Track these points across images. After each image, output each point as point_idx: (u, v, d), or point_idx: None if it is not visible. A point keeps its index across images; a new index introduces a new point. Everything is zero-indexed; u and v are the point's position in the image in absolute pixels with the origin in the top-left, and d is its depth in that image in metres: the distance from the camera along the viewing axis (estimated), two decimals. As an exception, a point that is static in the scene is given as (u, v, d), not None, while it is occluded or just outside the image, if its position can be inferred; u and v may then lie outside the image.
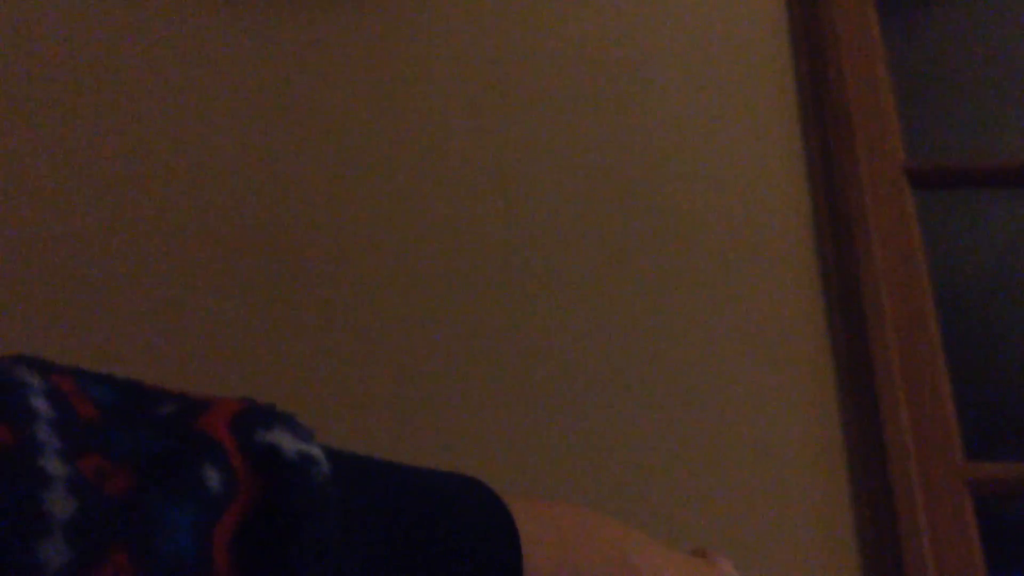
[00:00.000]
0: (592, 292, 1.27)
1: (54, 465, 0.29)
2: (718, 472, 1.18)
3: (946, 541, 1.12)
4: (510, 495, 0.43)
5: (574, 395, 1.21)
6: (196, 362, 1.21)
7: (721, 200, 1.32)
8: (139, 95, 1.34)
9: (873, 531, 1.15)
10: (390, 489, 0.39)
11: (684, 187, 1.33)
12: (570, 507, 0.47)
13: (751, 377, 1.23)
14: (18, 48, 1.35)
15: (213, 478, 0.32)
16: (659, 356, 1.24)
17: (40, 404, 0.30)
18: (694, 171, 1.34)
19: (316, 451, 0.36)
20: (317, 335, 1.23)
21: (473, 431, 1.19)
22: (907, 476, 1.15)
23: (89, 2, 1.38)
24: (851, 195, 1.31)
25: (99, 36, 1.36)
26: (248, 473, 0.33)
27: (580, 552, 0.44)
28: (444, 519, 0.40)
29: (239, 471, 0.33)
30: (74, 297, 1.23)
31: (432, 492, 0.40)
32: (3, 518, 0.27)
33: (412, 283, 1.26)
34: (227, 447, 0.33)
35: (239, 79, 1.36)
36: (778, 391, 1.22)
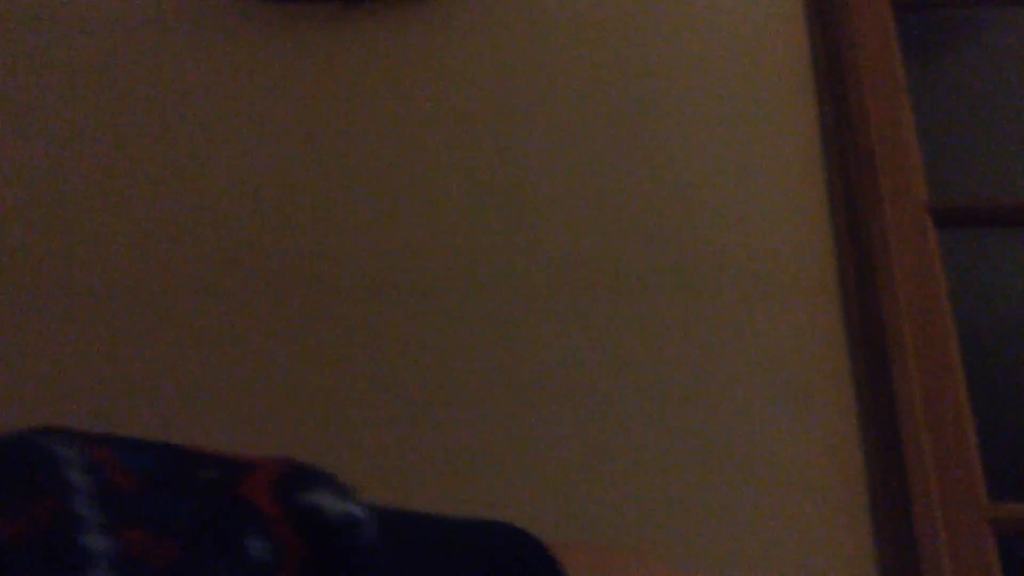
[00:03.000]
0: (611, 325, 1.27)
1: (96, 541, 0.28)
2: (737, 509, 1.18)
3: (969, 582, 1.11)
4: (558, 545, 0.42)
5: (587, 423, 1.21)
6: (199, 368, 1.22)
7: (744, 237, 1.32)
8: (145, 104, 1.36)
9: (896, 572, 1.14)
10: (435, 545, 0.38)
11: (707, 223, 1.33)
12: (617, 553, 0.46)
13: (772, 416, 1.23)
14: (30, 61, 1.38)
15: (257, 547, 0.31)
16: (678, 390, 1.24)
17: (77, 478, 0.30)
18: (717, 208, 1.34)
19: (359, 511, 0.35)
20: (322, 341, 1.24)
21: (487, 454, 1.19)
22: (930, 516, 1.14)
23: (100, 9, 1.41)
24: (874, 234, 1.31)
25: (108, 42, 1.39)
26: (293, 537, 0.32)
27: None
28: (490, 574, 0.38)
29: (283, 537, 0.32)
30: (77, 304, 1.25)
31: (478, 545, 0.39)
32: None
33: (421, 296, 1.27)
34: (270, 513, 0.33)
35: (247, 90, 1.37)
36: (800, 430, 1.22)
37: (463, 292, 1.28)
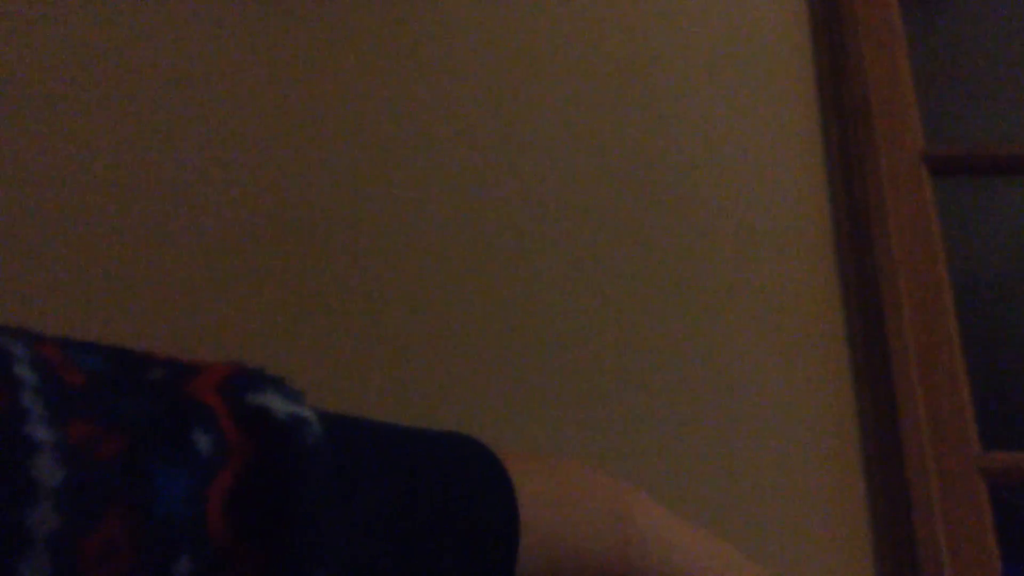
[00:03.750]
0: (605, 284, 1.27)
1: (40, 432, 0.28)
2: (731, 463, 1.18)
3: (961, 531, 1.12)
4: (506, 450, 0.43)
5: (586, 388, 1.21)
6: (206, 352, 1.22)
7: (738, 189, 1.32)
8: (149, 88, 1.34)
9: (888, 520, 1.15)
10: (383, 449, 0.38)
11: (700, 176, 1.32)
12: (568, 463, 0.46)
13: (766, 368, 1.23)
14: (32, 45, 1.36)
15: (203, 441, 0.32)
16: (673, 348, 1.24)
17: (24, 372, 0.30)
18: (711, 160, 1.33)
19: (307, 412, 0.35)
20: (328, 327, 1.24)
21: (484, 424, 1.20)
22: (923, 465, 1.15)
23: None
24: (869, 182, 1.30)
25: (116, 28, 1.37)
26: (239, 436, 0.33)
27: (579, 511, 0.43)
28: (439, 479, 0.39)
29: (229, 434, 0.33)
30: (86, 289, 1.24)
31: (426, 451, 0.40)
32: None
33: (425, 278, 1.26)
34: (217, 411, 0.33)
35: (251, 72, 1.36)
36: (793, 381, 1.22)
37: (460, 261, 1.27)
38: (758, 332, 1.24)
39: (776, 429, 1.20)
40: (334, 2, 1.39)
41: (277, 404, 0.35)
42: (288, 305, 1.24)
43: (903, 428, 1.17)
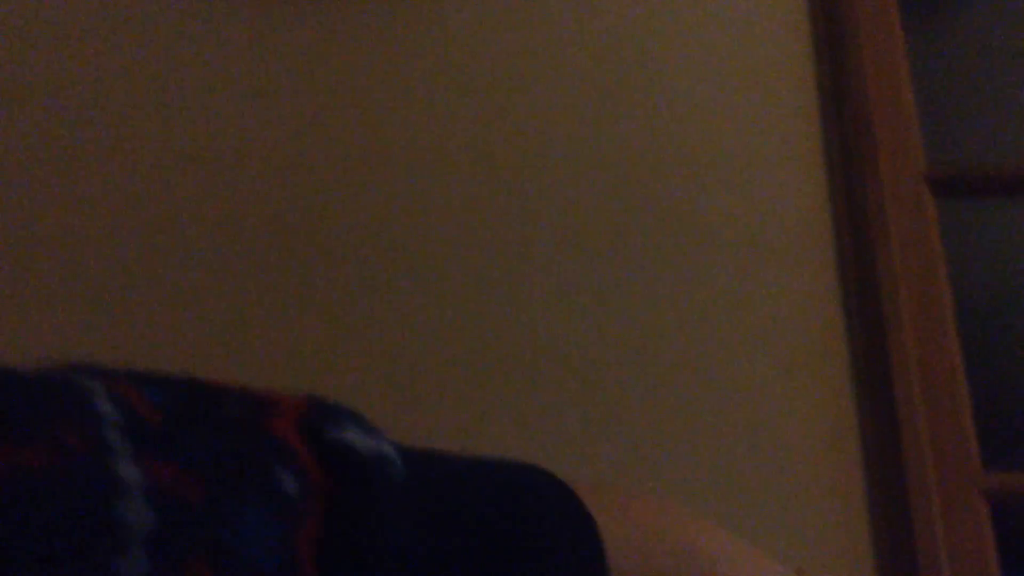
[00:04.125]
0: (607, 293, 1.27)
1: (130, 471, 0.27)
2: (732, 478, 1.18)
3: (962, 550, 1.12)
4: (580, 485, 0.41)
5: (585, 393, 1.21)
6: (207, 352, 1.22)
7: (740, 205, 1.32)
8: (149, 87, 1.35)
9: (889, 540, 1.14)
10: (464, 487, 0.37)
11: (703, 190, 1.33)
12: (637, 497, 0.45)
13: (768, 383, 1.23)
14: (29, 45, 1.36)
15: (288, 482, 0.31)
16: (673, 361, 1.23)
17: (106, 408, 0.29)
18: (713, 175, 1.34)
19: (388, 448, 0.34)
20: (326, 327, 1.24)
21: (483, 426, 1.20)
22: (924, 485, 1.15)
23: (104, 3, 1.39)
24: (871, 202, 1.30)
25: (115, 27, 1.38)
26: (322, 475, 0.32)
27: (658, 551, 0.42)
28: (522, 520, 0.37)
29: (313, 473, 0.31)
30: (87, 290, 1.24)
31: (507, 489, 0.38)
32: (79, 531, 0.25)
33: (422, 281, 1.26)
34: (299, 449, 0.32)
35: (250, 72, 1.36)
36: (795, 397, 1.22)
37: (459, 267, 1.28)
38: (760, 350, 1.24)
39: (777, 447, 1.20)
40: (334, 10, 1.40)
41: (359, 441, 0.34)
42: (287, 308, 1.24)
43: (905, 448, 1.16)
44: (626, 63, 1.40)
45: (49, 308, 1.23)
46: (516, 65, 1.39)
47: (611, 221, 1.31)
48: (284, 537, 0.30)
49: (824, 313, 1.27)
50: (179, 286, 1.25)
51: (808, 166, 1.35)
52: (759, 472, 1.18)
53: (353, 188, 1.31)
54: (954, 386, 1.21)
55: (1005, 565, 1.13)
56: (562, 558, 0.38)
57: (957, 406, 1.20)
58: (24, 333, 1.22)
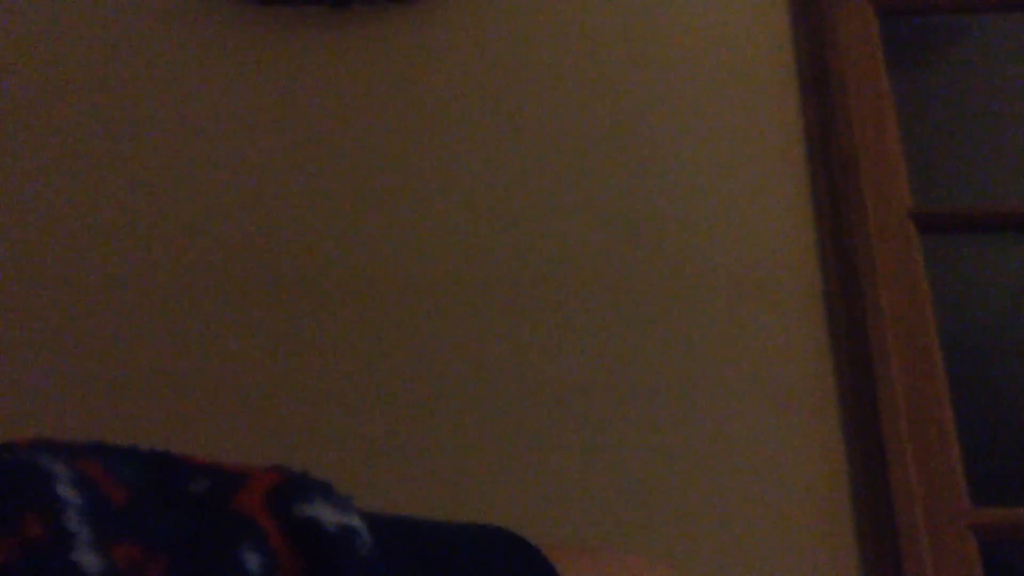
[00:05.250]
0: (596, 329, 1.27)
1: (89, 558, 0.27)
2: (720, 513, 1.18)
3: (951, 587, 1.12)
4: (553, 549, 0.41)
5: (581, 430, 1.22)
6: (196, 370, 1.22)
7: (728, 243, 1.33)
8: (143, 108, 1.36)
9: (877, 574, 1.14)
10: (434, 555, 0.37)
11: (691, 230, 1.34)
12: (611, 558, 0.45)
13: (756, 418, 1.23)
14: (28, 62, 1.37)
15: (252, 561, 0.30)
16: (662, 395, 1.24)
17: (68, 492, 0.29)
18: (702, 214, 1.35)
19: (357, 522, 0.34)
20: (315, 344, 1.24)
21: (481, 450, 1.20)
22: (912, 520, 1.15)
23: (96, 13, 1.40)
24: (858, 240, 1.32)
25: (105, 46, 1.39)
26: (289, 552, 0.32)
27: None
28: None
29: (279, 551, 0.31)
30: (75, 304, 1.24)
31: (476, 556, 0.39)
32: None
33: (417, 306, 1.27)
34: (265, 527, 0.32)
35: (244, 93, 1.37)
36: (783, 433, 1.22)
37: (453, 295, 1.28)
38: (748, 387, 1.25)
39: (766, 483, 1.20)
40: (331, 54, 1.41)
41: (327, 515, 0.33)
42: (279, 345, 1.25)
43: (893, 483, 1.17)
44: (619, 106, 1.41)
45: (38, 321, 1.23)
46: (511, 99, 1.40)
47: (599, 260, 1.31)
48: None
49: (812, 349, 1.27)
50: (167, 302, 1.25)
51: (796, 204, 1.36)
52: (747, 509, 1.18)
53: (348, 214, 1.32)
54: (942, 421, 1.21)
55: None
56: None
57: (944, 441, 1.20)
58: (13, 346, 1.22)
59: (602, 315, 1.28)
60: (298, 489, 0.34)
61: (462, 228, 1.32)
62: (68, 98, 1.37)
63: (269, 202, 1.32)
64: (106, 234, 1.30)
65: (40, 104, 1.36)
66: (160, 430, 1.18)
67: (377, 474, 1.18)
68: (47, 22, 1.40)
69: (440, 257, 1.30)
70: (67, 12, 1.41)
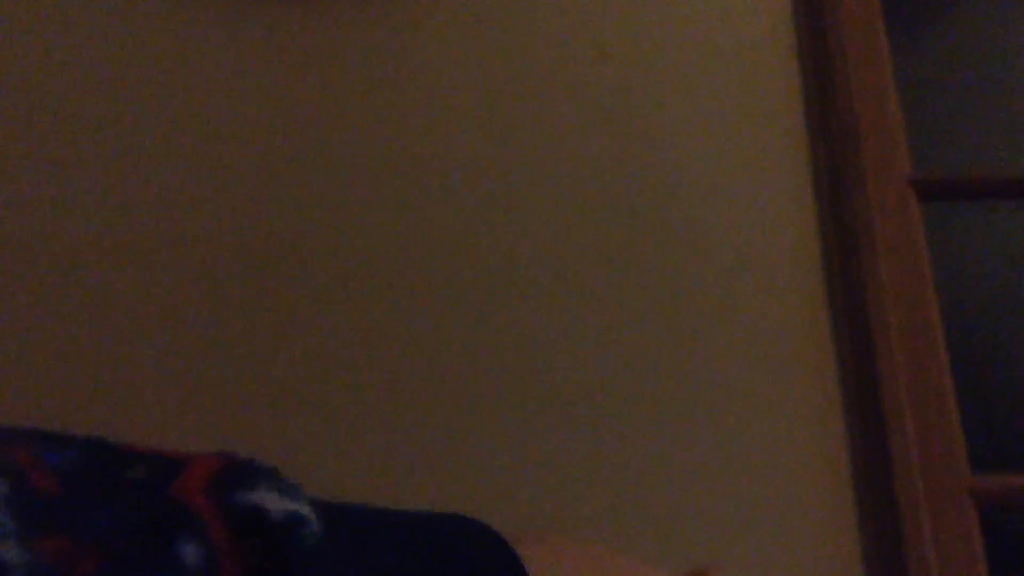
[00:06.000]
0: (596, 302, 1.27)
1: (11, 552, 0.26)
2: (721, 483, 1.18)
3: (950, 553, 1.13)
4: (518, 538, 0.40)
5: (577, 405, 1.22)
6: (192, 369, 1.22)
7: (727, 211, 1.32)
8: (141, 101, 1.35)
9: (877, 542, 1.15)
10: (388, 542, 0.36)
11: (690, 198, 1.33)
12: (580, 547, 0.44)
13: (756, 388, 1.23)
14: (26, 57, 1.36)
15: (190, 553, 0.29)
16: (662, 367, 1.24)
17: None
18: (700, 182, 1.34)
19: (305, 509, 0.33)
20: (317, 342, 1.24)
21: (477, 439, 1.20)
22: (912, 487, 1.15)
23: (93, 7, 1.39)
24: (857, 207, 1.31)
25: (102, 41, 1.37)
26: (231, 542, 0.30)
27: None
28: (448, 572, 0.37)
29: (219, 542, 0.30)
30: (73, 302, 1.24)
31: (433, 542, 0.37)
32: None
33: (416, 294, 1.27)
34: (204, 515, 0.30)
35: (241, 85, 1.36)
36: (783, 402, 1.23)
37: (449, 275, 1.28)
38: (747, 355, 1.25)
39: (766, 453, 1.20)
40: (322, 27, 1.40)
41: (272, 502, 0.32)
42: (279, 326, 1.24)
43: (893, 451, 1.17)
44: (615, 78, 1.41)
45: (34, 320, 1.23)
46: (509, 85, 1.39)
47: (597, 233, 1.31)
48: None
49: (811, 319, 1.27)
50: (165, 300, 1.25)
51: (794, 173, 1.36)
52: (747, 478, 1.19)
53: (346, 204, 1.31)
54: (941, 389, 1.21)
55: (994, 567, 1.13)
56: None
57: (944, 408, 1.20)
58: (7, 347, 1.22)
59: (599, 287, 1.28)
60: (241, 475, 0.32)
61: (462, 218, 1.31)
62: (62, 90, 1.36)
63: (264, 195, 1.31)
64: (101, 230, 1.29)
65: (35, 101, 1.35)
66: (155, 427, 1.18)
67: (377, 473, 1.18)
68: (37, 18, 1.39)
69: (439, 248, 1.30)
70: (59, 3, 1.40)
